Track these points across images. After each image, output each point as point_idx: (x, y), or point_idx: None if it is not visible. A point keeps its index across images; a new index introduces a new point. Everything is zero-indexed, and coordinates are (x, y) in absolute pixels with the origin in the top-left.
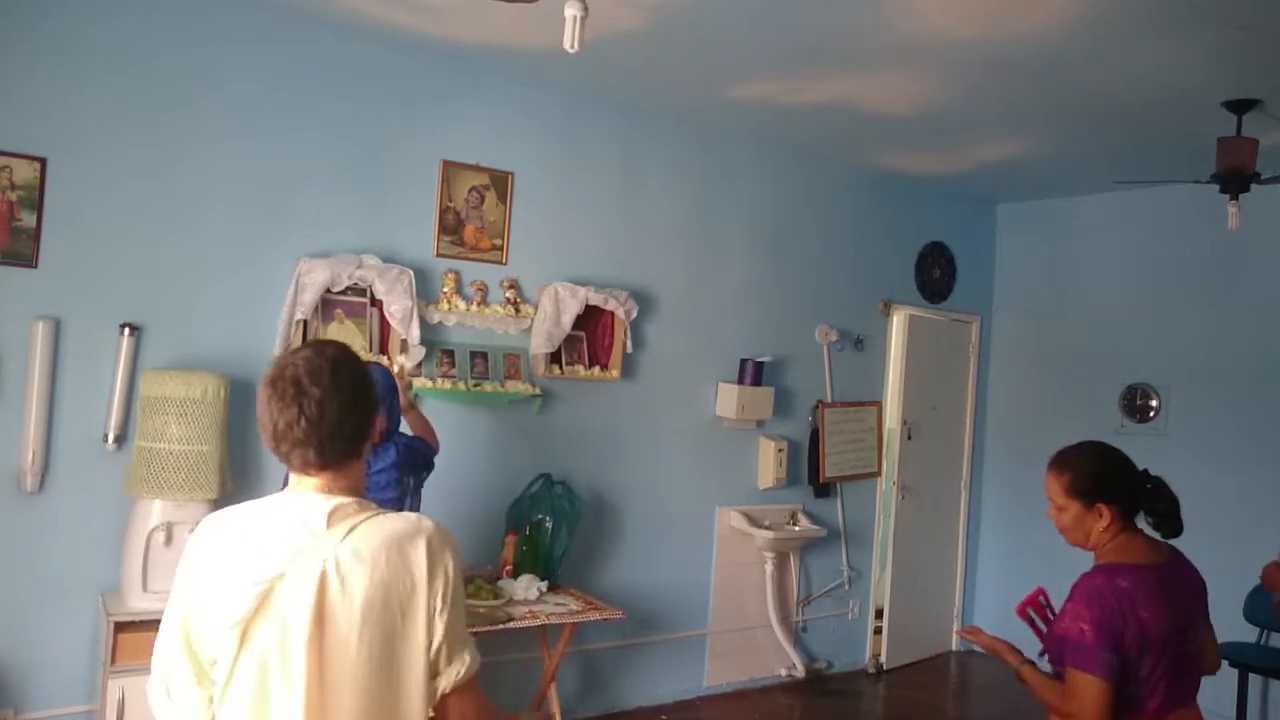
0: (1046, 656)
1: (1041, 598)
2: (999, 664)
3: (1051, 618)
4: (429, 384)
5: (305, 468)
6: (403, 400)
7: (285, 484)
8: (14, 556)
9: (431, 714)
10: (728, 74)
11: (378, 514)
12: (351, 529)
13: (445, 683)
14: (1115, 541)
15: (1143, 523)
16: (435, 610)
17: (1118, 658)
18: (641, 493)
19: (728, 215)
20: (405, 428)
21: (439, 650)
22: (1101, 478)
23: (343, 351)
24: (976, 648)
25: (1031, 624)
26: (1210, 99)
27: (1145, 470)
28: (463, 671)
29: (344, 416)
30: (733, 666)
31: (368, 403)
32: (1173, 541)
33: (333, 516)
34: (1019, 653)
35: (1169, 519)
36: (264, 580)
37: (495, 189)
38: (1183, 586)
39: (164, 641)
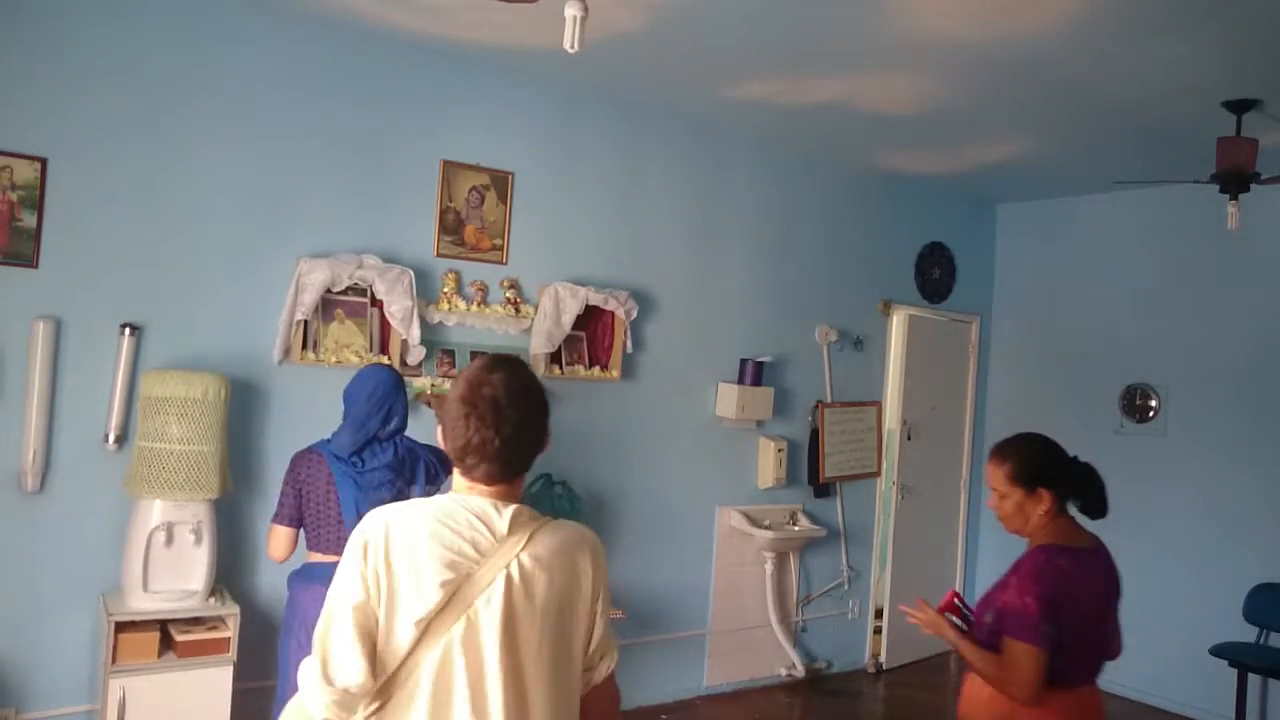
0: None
1: (956, 600)
2: None
3: (968, 614)
4: (429, 384)
5: (488, 479)
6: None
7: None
8: (14, 556)
9: None
10: (727, 74)
11: (548, 521)
12: (531, 536)
13: (600, 674)
14: (1052, 525)
15: (1073, 510)
16: (597, 612)
17: (1055, 630)
18: (641, 493)
19: (728, 215)
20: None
21: (597, 646)
22: (1040, 464)
23: (530, 373)
24: (921, 627)
25: (951, 624)
26: (1210, 99)
27: (1075, 457)
28: (613, 664)
29: (531, 438)
30: (733, 666)
31: (547, 422)
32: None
33: (513, 523)
34: (958, 628)
35: (1097, 501)
36: (449, 580)
37: (495, 189)
38: (1106, 572)
39: (334, 626)
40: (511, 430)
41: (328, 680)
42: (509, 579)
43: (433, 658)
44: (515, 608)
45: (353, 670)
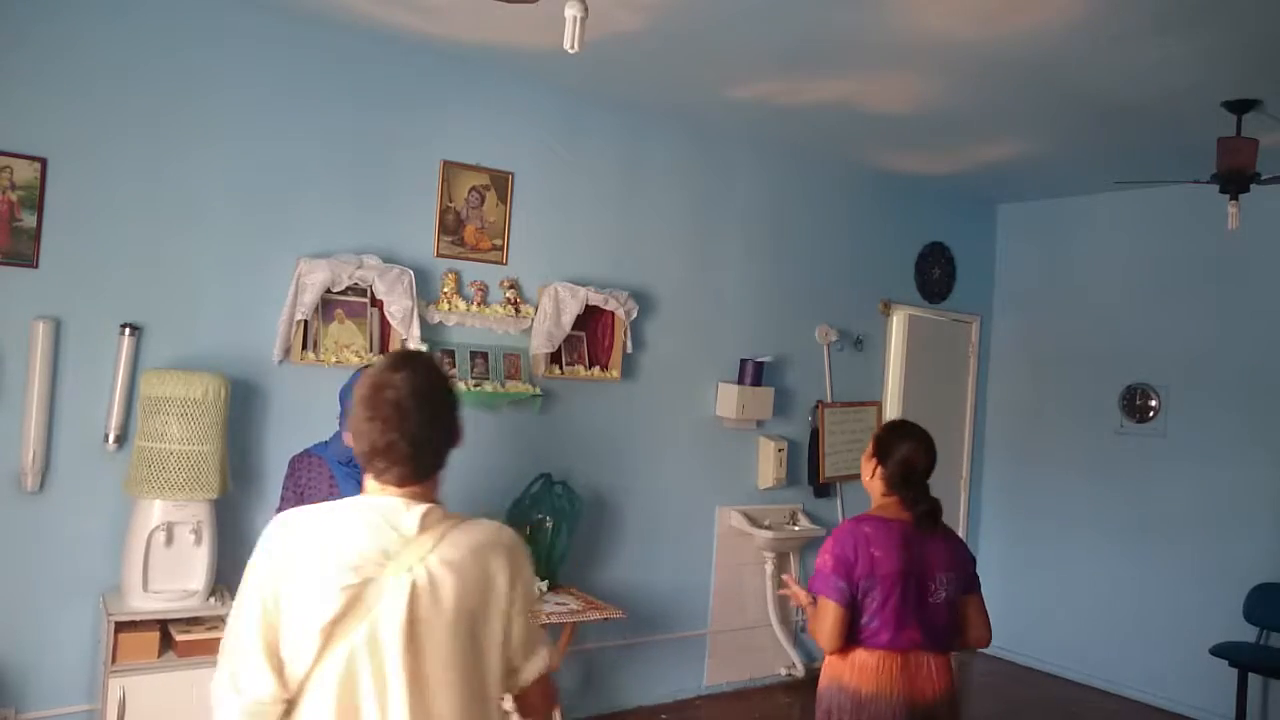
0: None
1: (786, 576)
2: (997, 665)
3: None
4: None
5: (400, 481)
6: None
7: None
8: (14, 556)
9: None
10: (727, 74)
11: (462, 521)
12: (442, 536)
13: (528, 675)
14: (883, 500)
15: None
16: (514, 613)
17: (850, 586)
18: (641, 493)
19: (727, 215)
20: None
21: (518, 648)
22: (884, 447)
23: (436, 370)
24: (792, 600)
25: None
26: (1210, 99)
27: (928, 485)
28: (544, 664)
29: (440, 436)
30: (733, 666)
31: (457, 418)
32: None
33: (424, 522)
34: (810, 595)
35: (925, 517)
36: (352, 584)
37: (495, 189)
38: (931, 546)
39: (239, 637)
40: (417, 431)
41: (237, 691)
42: (414, 584)
43: (336, 663)
44: (420, 612)
45: (262, 681)
